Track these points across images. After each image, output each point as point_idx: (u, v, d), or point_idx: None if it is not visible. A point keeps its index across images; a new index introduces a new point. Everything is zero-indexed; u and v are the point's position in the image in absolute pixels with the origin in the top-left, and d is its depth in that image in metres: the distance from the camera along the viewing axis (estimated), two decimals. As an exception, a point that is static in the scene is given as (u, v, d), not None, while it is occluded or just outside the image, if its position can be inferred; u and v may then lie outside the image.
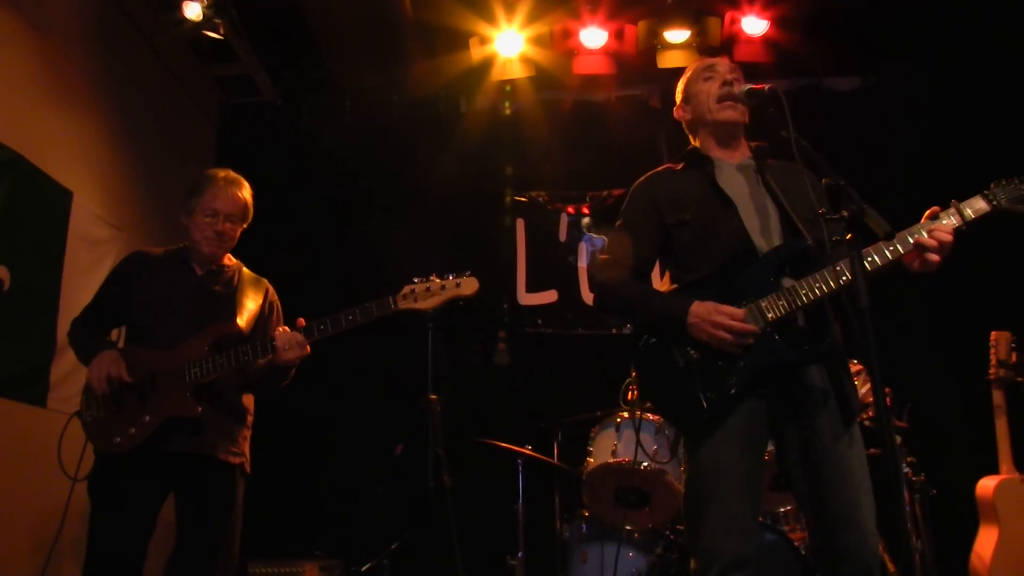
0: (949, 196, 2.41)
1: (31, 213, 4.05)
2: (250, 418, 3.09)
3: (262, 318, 3.11)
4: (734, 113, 2.60)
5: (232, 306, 3.03)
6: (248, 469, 3.04)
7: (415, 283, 2.86)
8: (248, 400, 3.10)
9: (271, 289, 3.24)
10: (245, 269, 3.23)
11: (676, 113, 2.79)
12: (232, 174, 3.16)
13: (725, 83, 2.60)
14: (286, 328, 2.89)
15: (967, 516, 4.15)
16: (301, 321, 2.89)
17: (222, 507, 2.91)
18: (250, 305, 3.08)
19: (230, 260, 3.21)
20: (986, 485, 4.05)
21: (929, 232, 2.27)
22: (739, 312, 2.30)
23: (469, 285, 2.85)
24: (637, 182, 2.73)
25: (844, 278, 2.25)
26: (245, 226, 3.19)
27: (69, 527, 3.26)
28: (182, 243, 3.17)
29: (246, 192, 3.15)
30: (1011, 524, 3.93)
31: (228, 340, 2.90)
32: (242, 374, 2.97)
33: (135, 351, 2.94)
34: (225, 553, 2.89)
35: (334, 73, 5.98)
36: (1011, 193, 2.32)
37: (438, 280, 2.85)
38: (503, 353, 5.66)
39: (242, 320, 3.00)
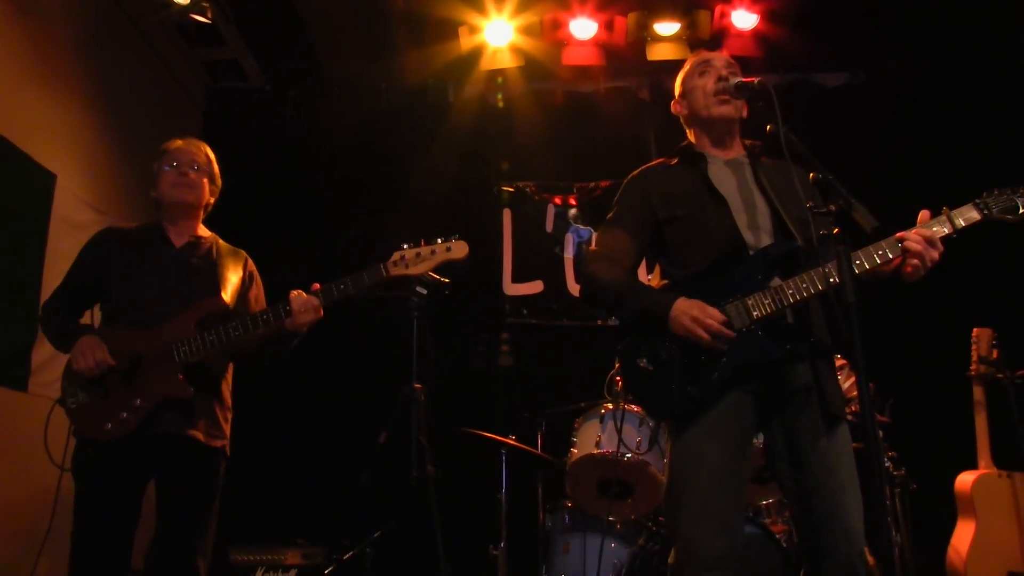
0: (936, 192, 2.42)
1: (13, 196, 4.01)
2: (230, 401, 3.05)
3: (243, 290, 3.06)
4: (729, 108, 2.59)
5: (214, 280, 2.97)
6: (228, 451, 2.99)
7: (404, 249, 2.80)
8: (229, 383, 3.06)
9: (250, 260, 3.18)
10: (221, 241, 3.16)
11: (673, 108, 2.78)
12: (190, 138, 3.15)
13: (720, 79, 2.59)
14: (301, 292, 2.82)
15: (946, 510, 4.19)
16: (316, 286, 2.84)
17: (205, 493, 2.87)
18: (232, 278, 3.03)
19: (205, 232, 3.14)
20: (965, 480, 4.09)
21: (916, 234, 2.29)
22: (719, 315, 2.30)
23: (460, 248, 2.79)
24: (630, 175, 2.73)
25: (831, 280, 2.25)
26: (215, 189, 3.14)
27: (57, 515, 3.15)
28: (117, 205, 3.12)
29: (207, 148, 3.13)
30: (988, 518, 3.97)
31: (215, 316, 2.85)
32: (233, 349, 2.91)
33: (116, 332, 2.86)
34: (207, 543, 2.84)
35: (322, 60, 5.95)
36: (1002, 203, 2.33)
37: (427, 245, 2.80)
38: (506, 355, 5.66)
39: (227, 294, 2.94)
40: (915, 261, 2.27)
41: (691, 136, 2.74)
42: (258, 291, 3.16)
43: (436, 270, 2.84)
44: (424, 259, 2.78)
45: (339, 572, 4.27)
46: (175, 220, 3.05)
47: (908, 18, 5.47)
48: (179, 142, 3.08)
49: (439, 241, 2.81)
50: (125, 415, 2.74)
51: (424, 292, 3.48)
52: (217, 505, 2.92)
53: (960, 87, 5.71)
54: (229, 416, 3.02)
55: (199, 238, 3.09)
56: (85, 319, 3.15)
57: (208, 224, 3.22)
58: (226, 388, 3.03)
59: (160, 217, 3.08)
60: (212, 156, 3.13)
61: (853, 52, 5.81)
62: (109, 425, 2.74)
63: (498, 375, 5.60)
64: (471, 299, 5.49)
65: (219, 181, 3.15)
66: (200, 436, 2.84)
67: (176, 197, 3.01)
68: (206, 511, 2.86)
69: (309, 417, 5.50)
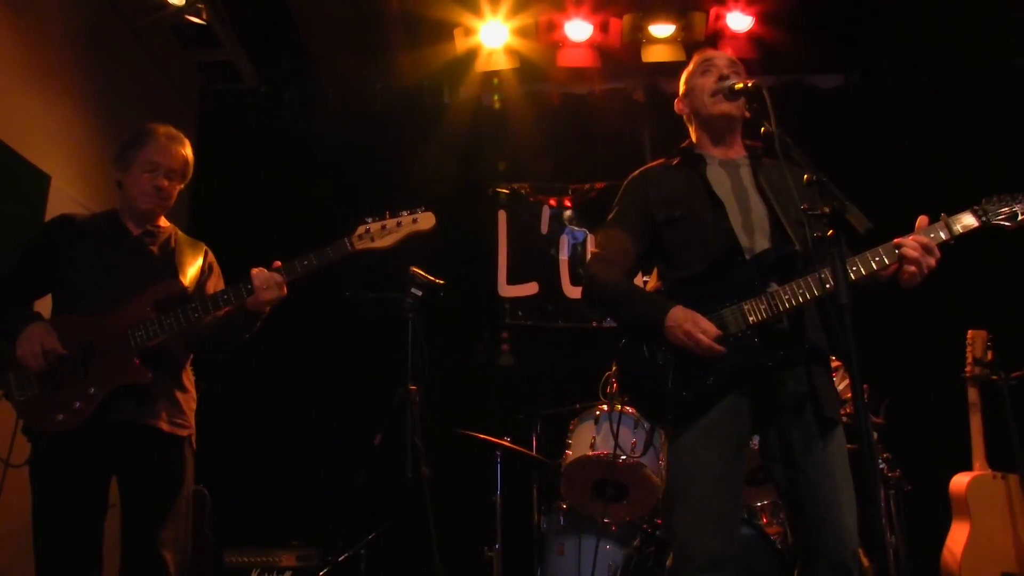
0: (930, 194, 2.43)
1: (8, 197, 4.00)
2: (194, 392, 2.94)
3: (202, 279, 2.97)
4: (728, 107, 2.57)
5: (172, 265, 2.88)
6: (195, 444, 2.87)
7: (368, 222, 2.70)
8: (190, 373, 2.95)
9: (210, 252, 3.08)
10: (180, 232, 3.06)
11: (676, 106, 2.77)
12: (173, 130, 2.98)
13: (721, 77, 2.58)
14: (263, 269, 2.71)
15: (940, 512, 4.20)
16: (277, 263, 2.72)
17: (168, 482, 2.74)
18: (190, 266, 2.93)
19: (165, 222, 3.03)
20: (959, 481, 4.10)
21: (914, 240, 2.29)
22: (713, 330, 2.30)
23: (426, 220, 2.70)
24: (631, 176, 2.73)
25: (828, 285, 2.25)
26: (183, 186, 3.02)
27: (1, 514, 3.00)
28: (111, 206, 2.99)
29: (188, 150, 2.98)
30: (982, 520, 3.98)
31: (172, 299, 2.74)
32: (190, 334, 2.80)
33: (67, 320, 2.74)
34: (175, 532, 2.71)
35: (317, 61, 5.95)
36: (1000, 210, 2.33)
37: (392, 217, 2.70)
38: (507, 354, 5.65)
39: (184, 278, 2.85)
40: (912, 268, 2.28)
41: (693, 135, 2.74)
42: (217, 282, 3.04)
43: (407, 242, 2.73)
44: (390, 231, 2.69)
45: (334, 573, 4.27)
46: (136, 214, 2.96)
47: (902, 20, 5.49)
48: (163, 138, 2.92)
49: (404, 213, 2.72)
50: (78, 404, 2.62)
51: (419, 293, 3.48)
52: (185, 496, 2.78)
53: (954, 89, 5.72)
54: (193, 405, 2.91)
55: (158, 227, 2.99)
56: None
57: (202, 226, 3.18)
58: (187, 377, 2.92)
59: (120, 202, 2.98)
60: (191, 156, 3.00)
61: (848, 54, 5.81)
62: (61, 416, 2.62)
63: (493, 376, 5.60)
64: (466, 301, 5.50)
65: (189, 177, 3.04)
66: (162, 425, 2.73)
67: (144, 205, 2.91)
68: (170, 501, 2.72)
69: (304, 418, 5.49)
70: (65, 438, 2.64)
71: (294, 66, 6.04)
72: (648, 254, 2.63)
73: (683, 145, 2.73)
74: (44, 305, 2.90)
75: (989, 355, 4.18)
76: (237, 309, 2.74)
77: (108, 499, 2.74)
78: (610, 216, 2.69)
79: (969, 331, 4.26)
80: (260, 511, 5.12)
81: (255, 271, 2.70)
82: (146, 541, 2.66)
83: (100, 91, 4.85)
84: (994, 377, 4.17)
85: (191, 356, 2.98)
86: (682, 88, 2.76)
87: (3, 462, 2.73)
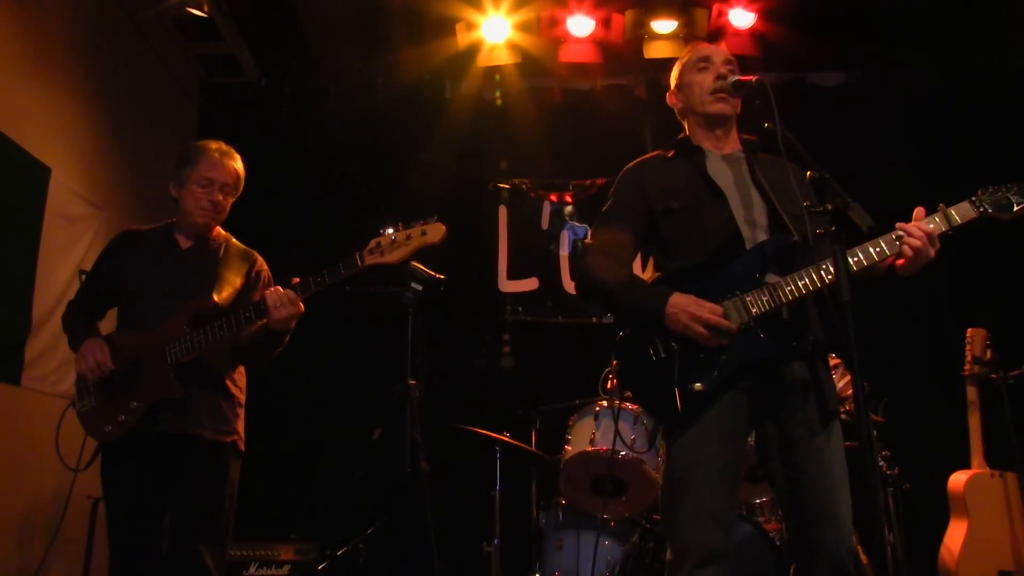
0: (931, 192, 2.42)
1: (7, 188, 4.00)
2: (242, 396, 3.05)
3: (247, 290, 3.03)
4: (726, 107, 2.57)
5: (212, 280, 2.96)
6: (242, 447, 3.00)
7: (381, 235, 2.74)
8: (240, 377, 3.06)
9: (260, 260, 3.16)
10: (234, 240, 3.16)
11: (668, 99, 2.75)
12: (224, 145, 3.09)
13: (719, 76, 2.56)
14: (278, 287, 2.78)
15: (938, 510, 4.20)
16: (296, 279, 2.79)
17: (208, 485, 2.87)
18: (232, 278, 3.01)
19: (219, 233, 3.13)
20: (957, 480, 4.10)
21: (917, 228, 2.28)
22: (718, 308, 2.28)
23: (435, 232, 2.72)
24: (626, 167, 2.70)
25: (829, 276, 2.24)
26: (235, 199, 3.13)
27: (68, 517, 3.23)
28: (169, 219, 3.10)
29: (239, 164, 3.09)
30: (980, 518, 3.98)
31: (205, 316, 2.84)
32: (225, 346, 2.90)
33: (121, 335, 2.93)
34: (217, 531, 2.85)
35: (318, 56, 5.94)
36: (998, 200, 2.33)
37: (404, 230, 2.73)
38: (508, 357, 5.65)
39: (220, 294, 2.93)
40: (911, 253, 2.26)
41: (686, 128, 2.72)
42: (266, 288, 3.06)
43: (416, 255, 2.78)
44: (400, 245, 2.71)
45: (332, 567, 4.27)
46: (191, 228, 3.06)
47: (904, 18, 5.48)
48: (215, 154, 3.02)
49: (415, 225, 2.73)
50: (123, 417, 2.79)
51: (419, 288, 3.47)
52: (225, 498, 2.90)
53: (955, 87, 5.72)
54: (240, 412, 3.03)
55: (208, 239, 3.08)
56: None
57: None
58: (233, 384, 3.02)
59: (177, 216, 3.08)
60: (242, 170, 3.11)
61: (849, 51, 5.81)
62: (109, 427, 2.81)
63: (493, 372, 5.60)
64: (466, 296, 5.50)
65: (240, 190, 3.14)
66: (203, 432, 2.86)
67: (200, 220, 3.01)
68: (212, 503, 2.86)
69: (303, 412, 5.50)
70: (116, 446, 2.83)
71: (295, 60, 6.03)
72: (644, 245, 2.62)
73: (679, 138, 2.71)
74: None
75: (988, 354, 4.18)
76: (260, 324, 2.82)
77: (163, 500, 2.87)
78: (605, 207, 2.66)
79: (969, 330, 4.26)
80: (259, 504, 5.11)
81: (268, 291, 2.78)
82: (188, 541, 2.80)
83: (101, 83, 4.84)
84: (993, 376, 4.17)
85: (238, 365, 3.07)
86: (675, 81, 2.73)
87: (71, 469, 2.95)
